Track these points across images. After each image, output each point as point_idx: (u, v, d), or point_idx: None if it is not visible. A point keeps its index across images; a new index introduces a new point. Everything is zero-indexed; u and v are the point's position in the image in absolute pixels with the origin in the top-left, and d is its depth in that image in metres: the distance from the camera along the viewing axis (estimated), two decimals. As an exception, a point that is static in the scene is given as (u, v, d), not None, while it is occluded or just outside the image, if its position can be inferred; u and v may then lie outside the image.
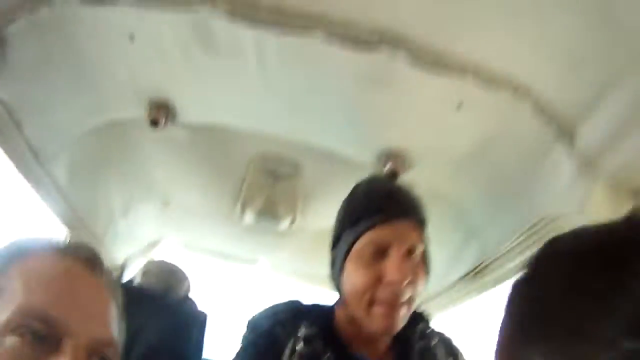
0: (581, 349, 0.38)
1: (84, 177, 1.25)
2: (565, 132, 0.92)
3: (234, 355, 0.95)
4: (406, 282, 0.87)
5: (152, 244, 1.77)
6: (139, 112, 1.11)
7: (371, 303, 0.89)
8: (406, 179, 1.14)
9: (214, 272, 1.86)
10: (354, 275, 0.91)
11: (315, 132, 1.15)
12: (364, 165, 1.15)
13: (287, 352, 0.89)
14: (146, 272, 1.48)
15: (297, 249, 1.66)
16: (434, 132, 1.06)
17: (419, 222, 0.92)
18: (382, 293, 0.88)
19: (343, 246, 0.93)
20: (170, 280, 1.46)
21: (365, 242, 0.89)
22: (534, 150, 1.00)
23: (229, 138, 1.21)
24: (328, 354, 0.89)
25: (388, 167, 1.12)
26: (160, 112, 1.10)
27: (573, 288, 0.42)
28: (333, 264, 0.97)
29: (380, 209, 0.89)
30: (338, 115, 1.08)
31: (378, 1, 0.83)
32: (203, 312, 1.34)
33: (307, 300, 1.04)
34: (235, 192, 1.38)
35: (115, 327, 0.61)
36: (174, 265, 1.57)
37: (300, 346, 0.90)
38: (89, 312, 0.57)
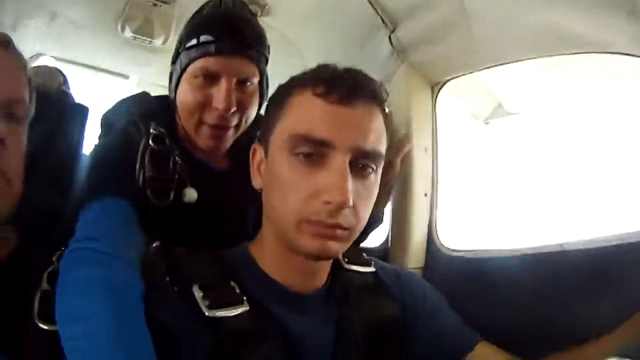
0: None
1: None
2: (390, 23, 1.23)
3: (92, 152, 0.99)
4: (232, 110, 0.91)
5: (34, 57, 1.77)
6: None
7: (199, 123, 0.94)
8: (263, 21, 1.40)
9: (89, 87, 1.94)
10: (185, 95, 0.94)
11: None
12: None
13: (141, 148, 0.91)
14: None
15: (166, 64, 1.82)
16: None
17: (255, 57, 0.94)
18: (209, 117, 0.93)
19: (178, 66, 0.95)
20: (50, 80, 1.47)
21: (198, 67, 0.91)
22: (364, 28, 1.29)
23: None
24: (176, 152, 0.94)
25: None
26: None
27: None
28: (170, 78, 0.99)
29: (217, 39, 0.89)
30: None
31: None
32: (85, 106, 1.34)
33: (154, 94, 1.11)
34: (119, 11, 1.53)
35: (22, 91, 0.76)
36: (53, 67, 1.57)
37: (151, 144, 0.92)
38: (2, 77, 0.72)
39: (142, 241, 0.85)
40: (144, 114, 0.98)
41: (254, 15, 1.03)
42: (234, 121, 0.95)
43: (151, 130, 0.93)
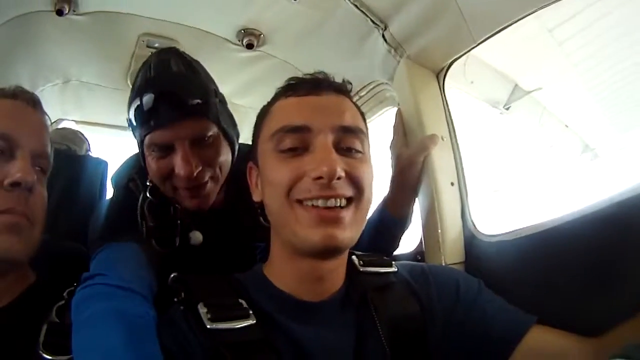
0: None
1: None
2: (380, 22, 1.23)
3: (101, 212, 1.02)
4: (196, 171, 0.90)
5: (57, 122, 1.92)
6: (46, 5, 1.28)
7: (174, 189, 0.94)
8: (262, 50, 1.49)
9: (110, 146, 2.04)
10: (150, 168, 0.94)
11: (188, 14, 1.41)
12: (227, 39, 1.45)
13: (140, 203, 0.96)
14: (51, 138, 1.58)
15: None
16: (277, 16, 1.36)
17: (201, 112, 0.90)
18: (179, 182, 0.92)
19: (137, 142, 0.96)
20: (71, 142, 1.60)
21: (148, 143, 0.91)
22: (357, 34, 1.31)
23: (120, 21, 1.40)
24: (175, 199, 0.97)
25: (245, 41, 1.43)
26: (64, 3, 1.27)
27: None
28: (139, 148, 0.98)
29: (153, 113, 0.87)
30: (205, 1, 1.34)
31: None
32: (104, 160, 1.50)
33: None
34: (126, 65, 1.60)
35: (48, 146, 0.86)
36: (73, 130, 1.73)
37: (149, 197, 0.96)
38: (32, 133, 0.83)
39: (152, 274, 0.87)
40: (141, 169, 1.01)
41: (188, 63, 0.99)
42: (206, 177, 0.94)
43: (147, 183, 0.97)
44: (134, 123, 0.92)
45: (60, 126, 1.92)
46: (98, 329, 0.70)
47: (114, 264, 0.84)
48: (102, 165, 1.50)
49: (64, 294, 0.82)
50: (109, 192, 1.28)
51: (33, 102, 0.85)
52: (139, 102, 0.88)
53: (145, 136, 0.90)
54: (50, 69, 1.62)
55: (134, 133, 0.96)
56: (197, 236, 0.99)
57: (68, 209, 1.27)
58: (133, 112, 0.91)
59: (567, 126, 2.34)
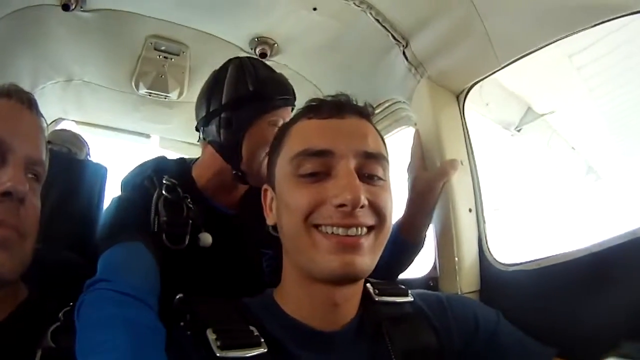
0: None
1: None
2: (402, 39, 1.20)
3: (109, 206, 1.02)
4: None
5: (56, 122, 1.86)
6: (52, -1, 1.22)
7: None
8: (274, 60, 1.43)
9: (111, 149, 1.99)
10: (264, 137, 1.03)
11: (199, 19, 1.37)
12: (239, 47, 1.41)
13: (154, 198, 1.00)
14: (50, 139, 1.50)
15: (185, 120, 1.78)
16: (295, 26, 1.32)
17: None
18: None
19: (250, 113, 1.06)
20: (71, 144, 1.55)
21: (275, 117, 1.06)
22: (376, 49, 1.27)
23: (128, 21, 1.36)
24: (188, 199, 1.03)
25: (258, 50, 1.39)
26: (71, -3, 1.22)
27: None
28: (229, 123, 1.06)
29: (285, 96, 1.08)
30: (218, 6, 1.30)
31: None
32: (104, 166, 1.47)
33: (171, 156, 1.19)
34: (131, 67, 1.55)
35: (43, 152, 0.79)
36: (74, 132, 1.66)
37: (164, 193, 1.01)
38: (27, 136, 0.75)
39: (158, 278, 0.87)
40: (158, 170, 1.07)
41: None
42: None
43: (164, 181, 1.02)
44: (258, 99, 1.05)
45: (59, 126, 1.87)
46: (105, 334, 0.68)
47: (121, 268, 0.84)
48: (101, 171, 1.46)
49: (60, 315, 0.76)
50: (107, 200, 1.27)
51: (29, 103, 0.78)
52: (274, 85, 1.08)
53: (272, 110, 1.06)
54: (53, 66, 1.57)
55: (237, 106, 1.06)
56: (206, 238, 1.01)
57: (64, 216, 1.22)
58: (263, 90, 1.06)
59: (573, 148, 2.35)
